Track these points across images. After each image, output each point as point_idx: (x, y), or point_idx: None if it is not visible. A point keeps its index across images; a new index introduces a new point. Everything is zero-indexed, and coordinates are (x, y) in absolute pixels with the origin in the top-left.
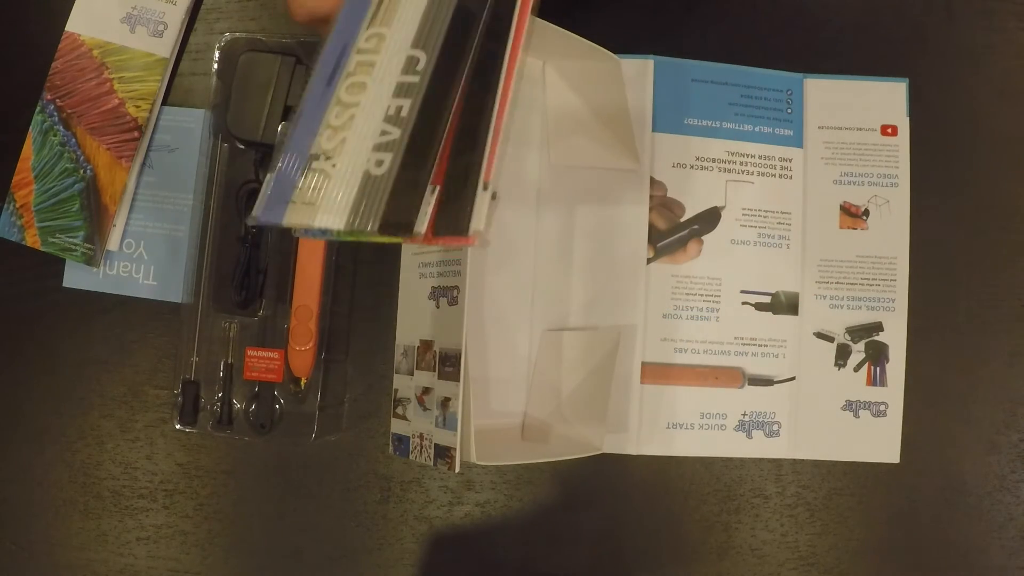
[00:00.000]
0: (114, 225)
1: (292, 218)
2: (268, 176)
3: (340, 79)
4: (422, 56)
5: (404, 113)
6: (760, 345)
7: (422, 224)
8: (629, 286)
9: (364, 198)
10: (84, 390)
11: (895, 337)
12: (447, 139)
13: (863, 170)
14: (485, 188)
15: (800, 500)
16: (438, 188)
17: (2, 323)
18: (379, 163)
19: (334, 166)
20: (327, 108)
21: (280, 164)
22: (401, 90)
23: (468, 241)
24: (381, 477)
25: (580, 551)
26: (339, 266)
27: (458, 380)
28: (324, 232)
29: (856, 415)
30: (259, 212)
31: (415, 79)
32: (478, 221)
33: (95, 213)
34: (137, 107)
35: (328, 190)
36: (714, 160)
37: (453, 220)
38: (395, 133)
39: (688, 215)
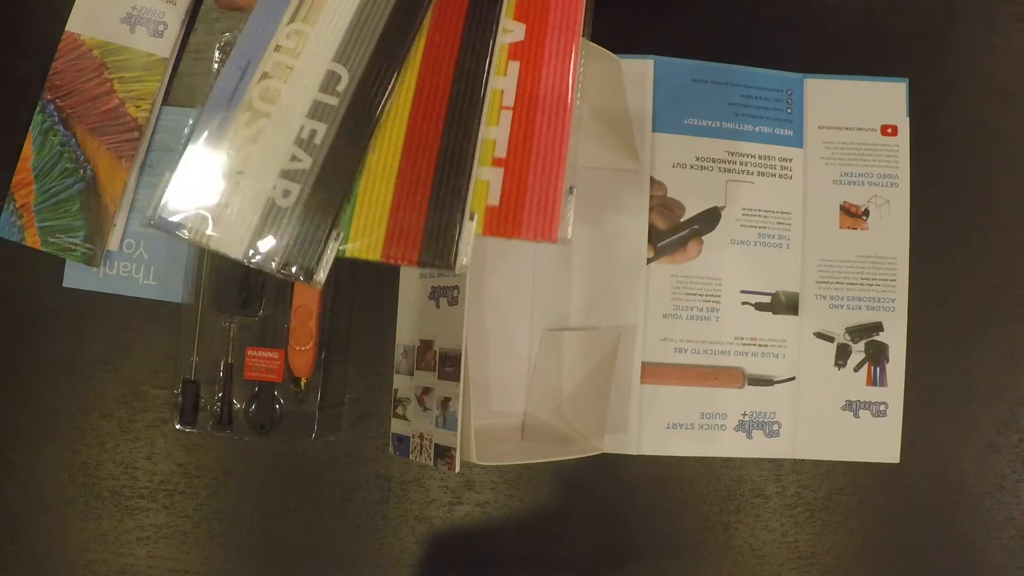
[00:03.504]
0: (114, 225)
1: (190, 234)
2: (168, 175)
3: (253, 77)
4: (344, 74)
5: (317, 141)
6: (760, 345)
7: (324, 272)
8: (629, 286)
9: (265, 229)
10: (84, 390)
11: (895, 337)
12: (429, 164)
13: (863, 170)
14: (471, 218)
15: (800, 500)
16: (341, 234)
17: (2, 323)
18: (286, 193)
19: (238, 184)
20: (238, 107)
21: (183, 166)
22: (317, 111)
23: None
24: (381, 477)
25: (580, 551)
26: (339, 266)
27: (458, 380)
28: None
29: (856, 415)
30: (153, 214)
31: (334, 101)
32: (464, 253)
33: (95, 213)
34: (137, 107)
35: (230, 210)
36: (714, 160)
37: (438, 251)
38: (305, 162)
39: (688, 215)
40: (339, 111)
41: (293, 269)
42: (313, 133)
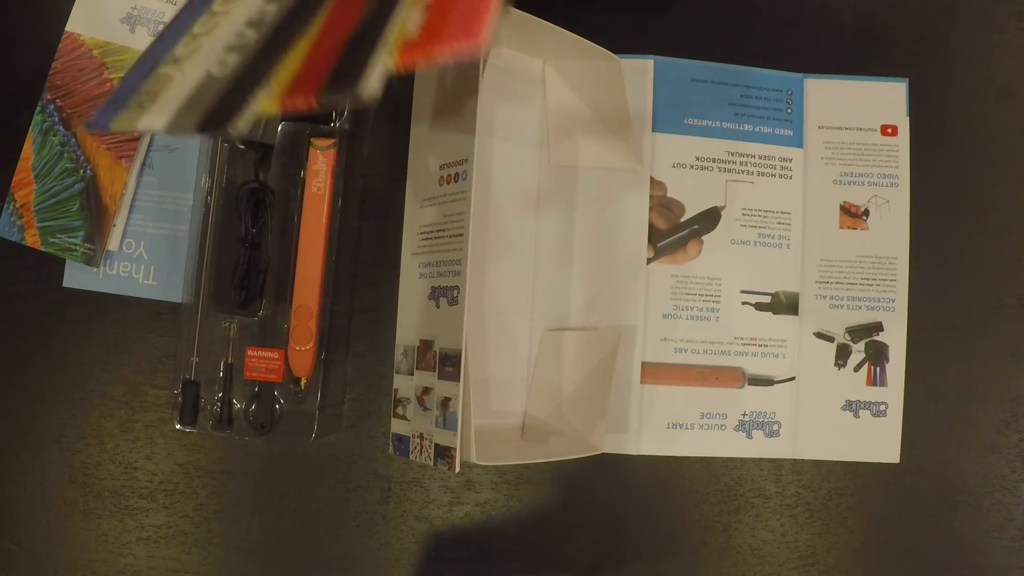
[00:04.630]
0: (114, 225)
1: (119, 123)
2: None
3: None
4: None
5: (268, 18)
6: (760, 345)
7: (246, 124)
8: (629, 286)
9: (195, 98)
10: (84, 390)
11: (895, 337)
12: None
13: (863, 170)
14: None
15: (800, 500)
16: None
17: (2, 323)
18: (222, 64)
19: (182, 71)
20: (197, 19)
21: (129, 72)
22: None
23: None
24: (381, 477)
25: (580, 551)
26: (339, 266)
27: (458, 380)
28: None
29: (856, 415)
30: (90, 119)
31: None
32: (373, 77)
33: (95, 213)
34: None
35: (166, 92)
36: (714, 160)
37: (343, 80)
38: (250, 36)
39: (688, 215)
40: None
41: (211, 124)
42: (264, 13)
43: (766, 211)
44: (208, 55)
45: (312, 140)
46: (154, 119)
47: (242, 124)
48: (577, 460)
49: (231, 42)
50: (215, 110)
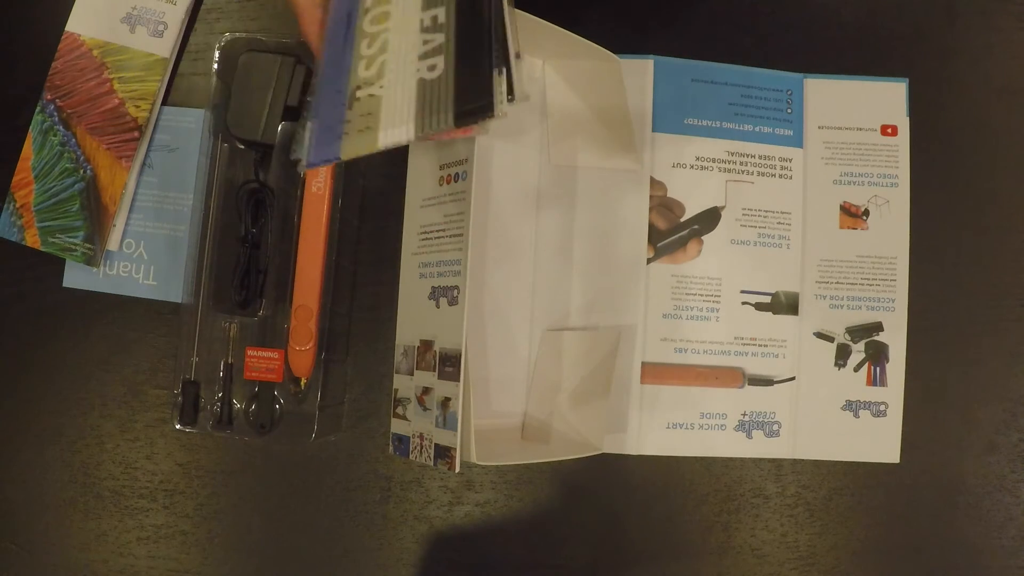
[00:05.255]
0: (114, 225)
1: (350, 149)
2: (306, 124)
3: (358, 15)
4: None
5: (441, 19)
6: (760, 345)
7: (500, 102)
8: (629, 286)
9: (427, 102)
10: (84, 390)
11: (895, 337)
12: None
13: (863, 170)
14: (518, 57)
15: (800, 500)
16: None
17: (2, 323)
18: (432, 67)
19: (381, 87)
20: (354, 42)
21: (316, 107)
22: (430, 1)
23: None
24: (381, 477)
25: (580, 551)
26: (339, 266)
27: (458, 380)
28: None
29: (856, 415)
30: (308, 156)
31: None
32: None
33: (95, 213)
34: (137, 107)
35: (385, 109)
36: (714, 160)
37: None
38: (438, 39)
39: (688, 215)
40: None
41: (471, 113)
42: (435, 17)
43: (766, 211)
44: (403, 68)
45: None
46: (397, 132)
47: (500, 107)
48: (577, 460)
49: (422, 50)
50: (462, 103)
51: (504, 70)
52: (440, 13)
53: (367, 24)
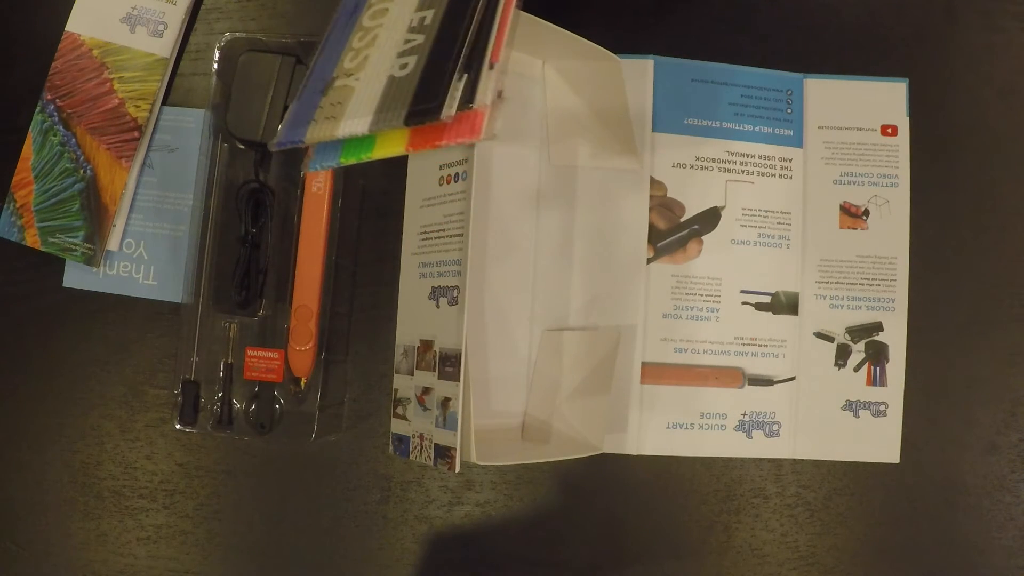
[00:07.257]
0: (114, 225)
1: (314, 135)
2: (290, 106)
3: (363, 9)
4: None
5: (428, 21)
6: (760, 345)
7: (450, 107)
8: (629, 286)
9: (389, 98)
10: (84, 390)
11: (895, 337)
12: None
13: (863, 170)
14: (491, 67)
15: (800, 500)
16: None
17: (2, 323)
18: (403, 66)
19: (357, 80)
20: (351, 34)
21: (301, 91)
22: (424, 3)
23: (475, 134)
24: (381, 477)
25: (580, 551)
26: (339, 266)
27: (458, 380)
28: (333, 156)
29: (856, 415)
30: (279, 136)
31: None
32: (483, 95)
33: (95, 213)
34: (137, 107)
35: (353, 100)
36: (714, 160)
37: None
38: (419, 39)
39: (688, 215)
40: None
41: (420, 114)
42: (423, 19)
43: (766, 211)
44: (382, 63)
45: None
46: (354, 123)
47: (447, 110)
48: (577, 460)
49: (402, 48)
50: (416, 103)
51: (467, 76)
52: (429, 15)
53: (367, 18)
